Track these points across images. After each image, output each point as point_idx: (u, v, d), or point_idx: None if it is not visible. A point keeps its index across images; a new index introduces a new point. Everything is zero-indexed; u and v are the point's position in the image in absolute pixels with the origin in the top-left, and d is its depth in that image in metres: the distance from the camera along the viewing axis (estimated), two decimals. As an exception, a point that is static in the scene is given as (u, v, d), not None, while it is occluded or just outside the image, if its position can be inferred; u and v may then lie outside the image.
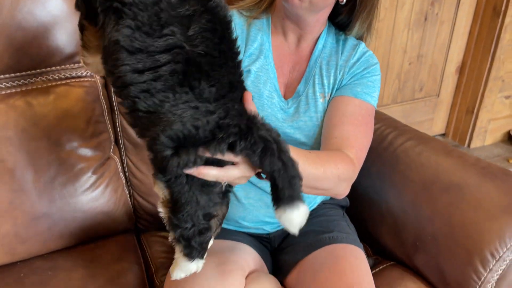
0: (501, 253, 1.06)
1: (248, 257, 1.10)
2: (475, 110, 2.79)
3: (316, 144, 1.13)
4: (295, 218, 0.72)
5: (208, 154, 0.69)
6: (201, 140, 0.66)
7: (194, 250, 0.82)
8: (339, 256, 1.09)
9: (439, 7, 2.49)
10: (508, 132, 2.94)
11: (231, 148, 0.69)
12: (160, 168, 0.71)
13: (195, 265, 0.87)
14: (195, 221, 0.78)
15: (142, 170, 1.40)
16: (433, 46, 2.62)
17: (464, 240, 1.11)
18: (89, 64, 0.93)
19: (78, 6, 0.84)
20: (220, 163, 0.72)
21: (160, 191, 0.78)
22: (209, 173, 0.72)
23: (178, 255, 0.85)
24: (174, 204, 0.76)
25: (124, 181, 1.40)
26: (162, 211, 0.81)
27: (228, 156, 0.70)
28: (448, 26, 2.59)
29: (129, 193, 1.42)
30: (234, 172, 0.75)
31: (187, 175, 0.73)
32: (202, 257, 0.87)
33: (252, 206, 1.17)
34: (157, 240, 1.43)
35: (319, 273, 1.07)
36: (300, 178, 0.72)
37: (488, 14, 2.54)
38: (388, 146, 1.40)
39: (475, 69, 2.71)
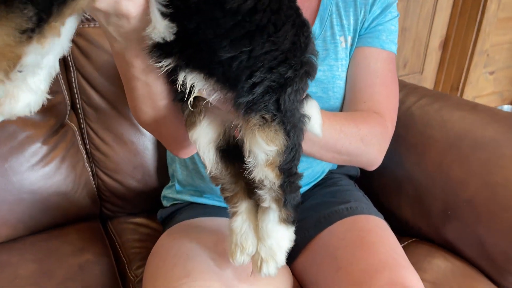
0: (559, 215, 0.87)
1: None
2: (460, 87, 2.66)
3: (337, 100, 0.92)
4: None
5: None
6: None
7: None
8: (364, 228, 0.88)
9: (423, -25, 2.34)
10: (492, 110, 2.84)
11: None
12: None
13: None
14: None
15: (107, 141, 1.13)
16: (417, 19, 2.46)
17: (509, 202, 0.92)
18: None
19: None
20: None
21: (273, 145, 0.59)
22: None
23: (267, 222, 0.66)
24: (289, 159, 0.61)
25: (84, 155, 1.13)
26: (271, 175, 0.61)
27: None
28: (432, -3, 2.44)
29: (92, 170, 1.15)
30: None
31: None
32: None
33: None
34: (127, 227, 1.18)
35: (341, 251, 0.85)
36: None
37: (473, -17, 2.42)
38: (400, 104, 1.20)
39: (459, 43, 2.58)
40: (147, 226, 1.18)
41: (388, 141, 0.93)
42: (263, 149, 0.58)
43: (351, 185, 1.10)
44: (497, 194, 0.94)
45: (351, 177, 1.16)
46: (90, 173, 1.14)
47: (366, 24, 0.94)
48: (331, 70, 0.91)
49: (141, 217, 1.20)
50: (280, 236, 0.66)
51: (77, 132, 1.12)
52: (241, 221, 0.68)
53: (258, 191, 0.63)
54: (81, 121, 1.13)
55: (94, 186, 1.15)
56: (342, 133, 0.80)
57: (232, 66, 0.54)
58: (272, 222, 0.65)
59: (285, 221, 0.66)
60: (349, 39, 0.93)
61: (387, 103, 0.92)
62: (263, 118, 0.57)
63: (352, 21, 0.93)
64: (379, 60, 0.93)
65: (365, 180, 1.18)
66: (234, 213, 0.69)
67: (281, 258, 0.67)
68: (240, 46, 0.54)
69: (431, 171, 1.06)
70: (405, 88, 1.27)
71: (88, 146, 1.14)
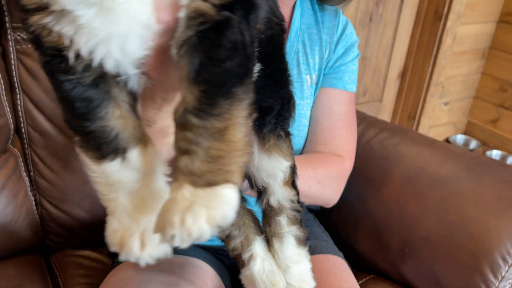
0: (513, 256, 0.88)
1: (204, 276, 0.82)
2: (417, 116, 2.74)
3: (301, 138, 0.95)
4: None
5: None
6: None
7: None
8: (323, 270, 0.86)
9: (383, 7, 2.41)
10: (447, 140, 2.93)
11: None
12: None
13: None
14: None
15: (54, 168, 1.06)
16: (377, 48, 2.53)
17: (465, 241, 0.92)
18: None
19: None
20: None
21: (289, 160, 0.67)
22: None
23: (287, 249, 0.69)
24: (294, 171, 0.70)
25: (27, 183, 1.05)
26: (290, 193, 0.68)
27: None
28: (392, 28, 2.52)
29: (35, 199, 1.07)
30: None
31: None
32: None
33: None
34: (73, 261, 1.10)
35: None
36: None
37: (430, 17, 2.51)
38: (359, 138, 1.20)
39: (416, 74, 2.66)
40: (95, 260, 1.11)
41: (345, 181, 0.97)
42: (282, 167, 0.63)
43: (311, 219, 1.08)
44: (453, 233, 0.94)
45: (311, 210, 1.14)
46: (33, 202, 1.06)
47: (330, 64, 0.95)
48: (297, 109, 0.90)
49: (89, 250, 1.12)
50: (302, 259, 0.69)
51: (21, 158, 1.04)
52: (260, 262, 0.67)
53: (277, 218, 0.66)
54: (26, 146, 1.05)
55: (37, 216, 1.07)
56: (301, 178, 0.79)
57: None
58: (291, 247, 0.67)
59: (301, 242, 0.69)
60: (314, 77, 0.94)
61: (347, 145, 0.94)
62: (279, 136, 0.65)
63: (317, 60, 0.94)
64: (341, 102, 0.95)
65: (325, 213, 1.16)
66: (249, 259, 0.68)
67: (310, 279, 0.69)
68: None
69: (389, 206, 1.05)
70: (365, 121, 1.27)
71: (32, 173, 1.06)
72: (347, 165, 0.95)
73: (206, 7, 0.45)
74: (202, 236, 0.42)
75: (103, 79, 0.48)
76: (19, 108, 1.03)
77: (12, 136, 1.04)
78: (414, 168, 1.06)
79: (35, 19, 0.44)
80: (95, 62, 0.46)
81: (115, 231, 0.51)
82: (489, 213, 0.92)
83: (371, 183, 1.11)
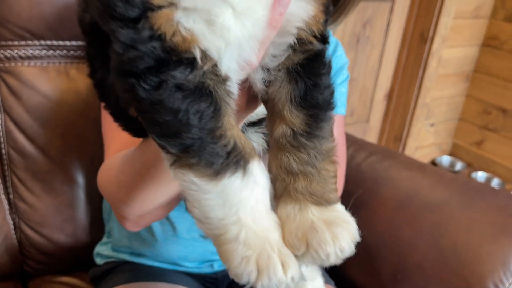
0: (507, 285, 0.86)
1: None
2: (403, 138, 2.75)
3: None
4: None
5: None
6: None
7: None
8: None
9: (370, 29, 2.44)
10: (433, 161, 2.95)
11: None
12: None
13: None
14: None
15: (35, 191, 1.02)
16: (364, 70, 2.55)
17: (459, 268, 0.90)
18: None
19: None
20: None
21: None
22: None
23: None
24: None
25: (6, 206, 1.01)
26: None
27: None
28: (378, 50, 2.55)
29: (14, 223, 1.02)
30: None
31: None
32: None
33: (197, 242, 0.86)
34: (52, 287, 1.04)
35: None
36: None
37: (416, 40, 2.55)
38: (349, 161, 1.18)
39: (402, 96, 2.69)
40: (75, 286, 1.06)
41: None
42: None
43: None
44: (446, 259, 0.92)
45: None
46: (12, 226, 1.01)
47: None
48: None
49: (69, 276, 1.07)
50: (315, 275, 0.68)
51: (0, 180, 1.00)
52: None
53: None
54: (6, 168, 1.01)
55: (16, 241, 1.02)
56: None
57: None
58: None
59: None
60: None
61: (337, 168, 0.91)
62: None
63: None
64: None
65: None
66: None
67: None
68: None
69: (380, 230, 1.03)
70: (355, 144, 1.26)
71: (11, 196, 1.01)
72: (338, 190, 0.93)
73: (311, 37, 0.50)
74: (351, 252, 0.46)
75: (218, 85, 0.45)
76: (0, 129, 0.99)
77: (-9, 157, 1.00)
78: (406, 192, 1.05)
79: (163, 15, 0.42)
80: (223, 65, 0.45)
81: (246, 257, 0.44)
82: (483, 240, 0.90)
83: (363, 207, 1.09)
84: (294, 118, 0.49)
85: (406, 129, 2.71)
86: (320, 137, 0.50)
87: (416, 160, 1.18)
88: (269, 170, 0.50)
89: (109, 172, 0.74)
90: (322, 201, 0.48)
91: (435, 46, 2.48)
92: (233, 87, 0.47)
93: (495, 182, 2.65)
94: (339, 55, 0.97)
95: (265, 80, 0.51)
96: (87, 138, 1.04)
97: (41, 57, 1.01)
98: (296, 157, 0.49)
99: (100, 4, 0.43)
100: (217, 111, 0.44)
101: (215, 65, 0.44)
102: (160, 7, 0.41)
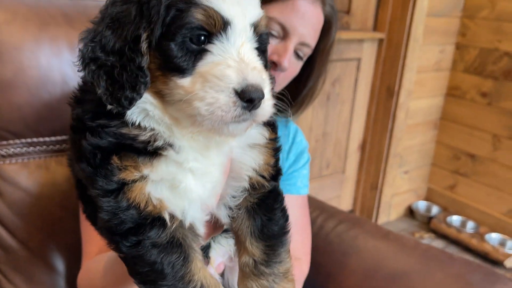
0: None
1: None
2: (379, 186, 2.84)
3: None
4: None
5: None
6: None
7: None
8: None
9: (339, 87, 2.57)
10: (409, 207, 3.03)
11: None
12: None
13: None
14: None
15: (16, 283, 1.05)
16: (336, 124, 2.66)
17: None
18: None
19: None
20: None
21: None
22: None
23: None
24: None
25: (-12, 301, 1.03)
26: None
27: None
28: (349, 106, 2.67)
29: (-5, 316, 1.05)
30: None
31: None
32: None
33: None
34: None
35: None
36: None
37: (383, 94, 2.69)
38: (318, 230, 1.25)
39: (375, 146, 2.80)
40: None
41: (303, 280, 1.00)
42: None
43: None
44: (411, 331, 0.97)
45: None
46: (-7, 320, 1.04)
47: (283, 170, 1.01)
48: None
49: None
50: None
51: (-18, 275, 1.03)
52: None
53: None
54: (-12, 262, 1.05)
55: (-3, 334, 1.04)
56: None
57: None
58: None
59: None
60: None
61: (303, 248, 0.98)
62: None
63: None
64: (295, 207, 1.00)
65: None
66: None
67: None
68: None
69: (349, 303, 1.09)
70: (324, 212, 1.32)
71: (-7, 290, 1.05)
72: (304, 268, 0.99)
73: (262, 180, 0.61)
74: None
75: (185, 235, 0.57)
76: (-17, 224, 1.04)
77: (-27, 253, 1.03)
78: (371, 264, 1.11)
79: (136, 188, 0.53)
80: (188, 218, 0.56)
81: None
82: (442, 311, 0.97)
83: (332, 279, 1.14)
84: (255, 249, 0.61)
85: (381, 177, 2.81)
86: (277, 262, 0.61)
87: (382, 228, 1.25)
88: None
89: (90, 275, 0.79)
90: None
91: (401, 99, 2.62)
92: (199, 227, 0.59)
93: (470, 226, 2.74)
94: (298, 140, 1.05)
95: (229, 216, 0.61)
96: (65, 227, 1.09)
97: (22, 154, 1.07)
98: (258, 283, 0.60)
99: (85, 175, 0.53)
100: (185, 260, 0.56)
101: (181, 221, 0.56)
102: (134, 181, 0.52)
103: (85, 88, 0.61)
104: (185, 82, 0.52)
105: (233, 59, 0.52)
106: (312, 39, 0.97)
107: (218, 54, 0.53)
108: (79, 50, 0.55)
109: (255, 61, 0.55)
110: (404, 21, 2.47)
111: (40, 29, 1.05)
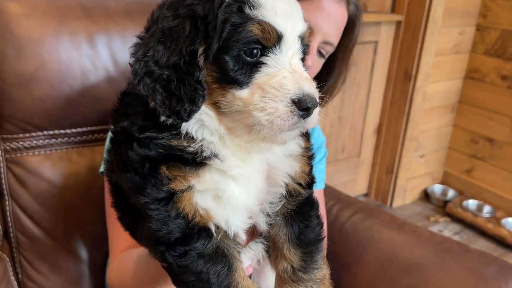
0: None
1: None
2: (394, 170, 2.83)
3: None
4: None
5: None
6: None
7: None
8: None
9: (355, 70, 2.54)
10: (425, 190, 3.02)
11: None
12: None
13: None
14: None
15: (42, 271, 1.09)
16: (352, 108, 2.64)
17: (436, 331, 0.97)
18: None
19: None
20: None
21: None
22: None
23: None
24: None
25: (16, 287, 1.08)
26: None
27: None
28: (365, 89, 2.65)
29: (23, 301, 1.10)
30: None
31: None
32: None
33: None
34: None
35: None
36: None
37: (400, 78, 2.65)
38: (334, 220, 1.26)
39: (391, 130, 2.78)
40: None
41: None
42: None
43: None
44: (424, 322, 0.99)
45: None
46: (22, 304, 1.09)
47: None
48: None
49: None
50: None
51: (9, 263, 1.07)
52: None
53: None
54: (14, 250, 1.09)
55: (25, 318, 1.09)
56: None
57: None
58: None
59: None
60: None
61: None
62: None
63: None
64: None
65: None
66: None
67: None
68: None
69: (364, 292, 1.11)
70: (340, 201, 1.33)
71: (20, 276, 1.09)
72: None
73: (299, 187, 0.63)
74: None
75: (229, 245, 0.60)
76: (8, 214, 1.08)
77: (0, 242, 1.08)
78: (386, 255, 1.12)
79: (184, 199, 0.56)
80: (232, 229, 0.58)
81: None
82: (456, 303, 0.98)
83: (348, 269, 1.16)
84: (293, 255, 0.63)
85: (397, 161, 2.79)
86: (315, 268, 0.64)
87: (397, 218, 1.25)
88: None
89: (122, 271, 0.82)
90: None
91: (419, 83, 2.58)
92: (241, 235, 0.62)
93: (486, 210, 2.73)
94: (316, 136, 1.06)
95: (267, 223, 0.64)
96: (88, 218, 1.12)
97: (44, 146, 1.10)
98: None
99: (132, 185, 0.54)
100: (230, 269, 0.59)
101: (225, 232, 0.59)
102: (182, 191, 0.55)
103: (126, 101, 0.63)
104: (243, 93, 0.55)
105: (288, 70, 0.55)
106: (335, 38, 0.97)
107: (273, 66, 0.55)
108: (131, 65, 0.57)
109: (304, 71, 0.58)
110: (423, 3, 2.41)
111: (59, 23, 1.06)
